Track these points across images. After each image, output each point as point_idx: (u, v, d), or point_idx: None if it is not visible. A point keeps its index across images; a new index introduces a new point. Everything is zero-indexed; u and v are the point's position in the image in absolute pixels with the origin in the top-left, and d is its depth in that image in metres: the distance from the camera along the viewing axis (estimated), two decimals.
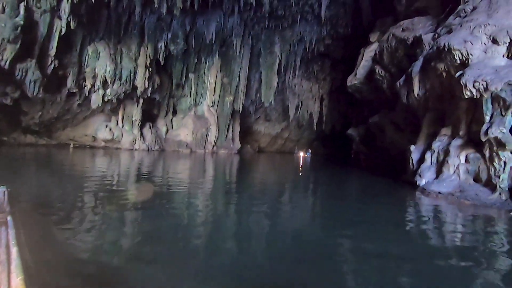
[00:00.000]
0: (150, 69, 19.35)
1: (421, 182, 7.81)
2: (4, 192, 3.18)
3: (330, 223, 4.53)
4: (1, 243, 1.99)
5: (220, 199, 6.22)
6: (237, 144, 25.55)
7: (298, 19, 22.13)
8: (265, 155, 27.90)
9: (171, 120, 22.99)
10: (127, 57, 18.04)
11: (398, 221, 4.86)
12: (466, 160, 6.76)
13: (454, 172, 6.90)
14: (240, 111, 24.85)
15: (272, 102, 25.28)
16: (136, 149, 20.23)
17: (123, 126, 20.31)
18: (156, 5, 16.52)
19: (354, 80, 19.07)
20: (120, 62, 17.83)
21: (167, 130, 22.62)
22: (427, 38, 9.75)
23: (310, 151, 27.93)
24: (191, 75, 22.44)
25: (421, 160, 8.49)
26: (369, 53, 18.18)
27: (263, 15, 21.39)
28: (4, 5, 12.79)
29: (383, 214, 5.23)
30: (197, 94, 22.87)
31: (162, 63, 20.26)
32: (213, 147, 23.37)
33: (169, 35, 19.80)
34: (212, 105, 23.25)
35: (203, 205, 5.38)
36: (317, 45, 24.76)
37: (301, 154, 27.04)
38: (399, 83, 10.60)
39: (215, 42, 21.73)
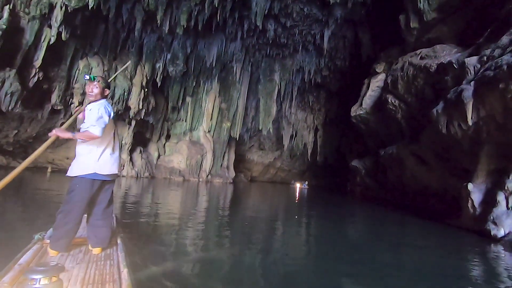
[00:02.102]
0: (146, 89, 17.36)
1: (499, 232, 5.97)
2: (114, 218, 3.06)
3: None
4: (113, 263, 2.07)
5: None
6: (232, 173, 23.36)
7: (300, 48, 21.23)
8: (259, 185, 25.69)
9: (164, 145, 20.67)
10: (122, 75, 16.03)
11: None
12: None
13: None
14: (237, 138, 22.93)
15: (271, 130, 23.63)
16: (123, 176, 17.58)
17: None
18: (158, 22, 14.91)
19: (359, 110, 17.83)
20: (114, 80, 15.75)
21: (159, 156, 20.19)
22: (471, 61, 8.45)
23: (306, 182, 26.03)
24: (188, 99, 20.59)
25: (487, 202, 6.73)
26: (376, 83, 17.16)
27: (265, 42, 20.37)
28: None
29: None
30: (193, 118, 20.89)
31: (158, 84, 18.37)
32: (207, 176, 21.00)
33: (169, 56, 18.13)
34: (209, 131, 21.24)
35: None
36: (314, 76, 23.89)
37: (298, 185, 25.07)
38: (436, 111, 9.11)
39: (215, 66, 20.27)
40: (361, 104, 17.76)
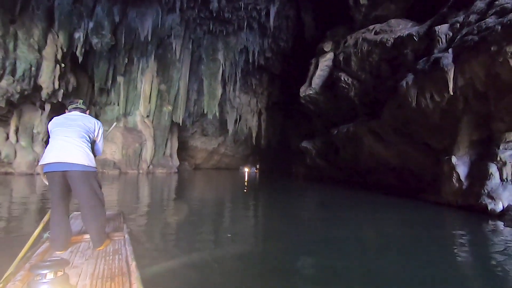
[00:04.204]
0: (63, 65, 13.48)
1: (497, 206, 5.46)
2: (121, 214, 3.22)
3: None
4: (122, 258, 2.03)
5: None
6: (176, 162, 20.73)
7: (244, 25, 19.37)
8: (205, 172, 23.59)
9: None
10: (26, 45, 11.98)
11: None
12: None
13: None
14: (180, 124, 20.26)
15: (217, 113, 21.51)
16: (38, 174, 13.63)
17: (17, 141, 13.56)
18: None
19: (308, 90, 17.04)
20: (14, 50, 11.67)
21: None
22: (443, 29, 7.90)
23: (258, 166, 24.98)
24: (120, 79, 17.01)
25: (475, 175, 6.23)
26: (324, 62, 16.48)
27: (207, 17, 17.93)
28: None
29: None
30: (127, 102, 17.43)
31: (80, 59, 14.53)
32: (148, 166, 18.02)
33: (91, 24, 14.38)
34: (147, 116, 18.09)
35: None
36: (258, 58, 22.47)
37: (246, 170, 23.83)
38: (406, 83, 8.47)
39: (150, 41, 17.07)
40: (310, 84, 16.98)
